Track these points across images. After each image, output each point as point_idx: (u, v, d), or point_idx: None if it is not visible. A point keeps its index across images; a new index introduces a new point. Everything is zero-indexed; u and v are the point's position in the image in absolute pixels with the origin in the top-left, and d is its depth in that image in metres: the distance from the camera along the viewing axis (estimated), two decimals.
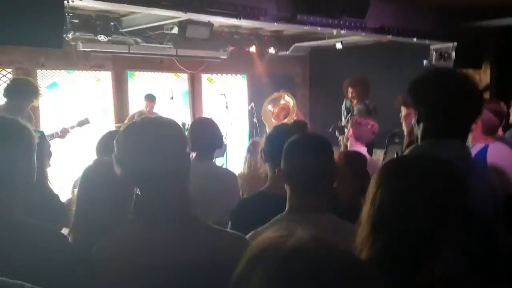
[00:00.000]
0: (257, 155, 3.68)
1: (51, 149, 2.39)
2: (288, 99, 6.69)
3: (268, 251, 0.74)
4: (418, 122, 1.66)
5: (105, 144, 2.23)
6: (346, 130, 4.42)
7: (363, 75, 6.59)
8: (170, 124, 1.40)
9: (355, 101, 6.44)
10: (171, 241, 1.32)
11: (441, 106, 1.59)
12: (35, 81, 6.20)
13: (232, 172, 3.07)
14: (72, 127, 5.07)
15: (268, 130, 3.93)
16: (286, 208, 1.66)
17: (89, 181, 1.70)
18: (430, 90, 1.63)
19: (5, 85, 6.18)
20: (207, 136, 2.84)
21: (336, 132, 5.82)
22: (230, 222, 2.13)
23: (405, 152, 1.64)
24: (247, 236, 1.52)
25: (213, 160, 3.18)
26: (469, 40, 6.42)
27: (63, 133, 4.93)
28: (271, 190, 2.12)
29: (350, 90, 6.44)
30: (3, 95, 4.31)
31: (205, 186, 2.42)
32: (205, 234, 1.38)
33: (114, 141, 1.35)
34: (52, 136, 4.70)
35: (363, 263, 0.82)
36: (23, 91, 4.23)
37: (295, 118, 6.23)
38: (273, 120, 6.49)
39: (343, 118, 6.61)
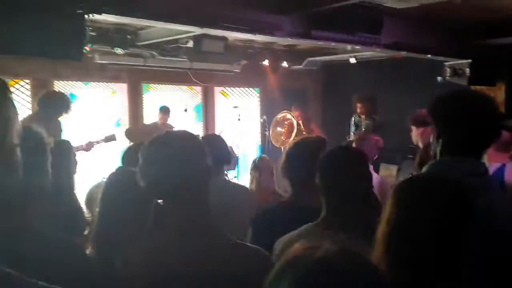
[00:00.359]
0: (267, 172, 3.69)
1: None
2: (285, 114, 6.86)
3: (297, 260, 0.78)
4: (437, 139, 1.69)
5: (131, 154, 2.24)
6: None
7: (372, 91, 6.67)
8: (191, 138, 1.45)
9: (363, 117, 6.52)
10: (192, 252, 1.35)
11: (461, 126, 1.62)
12: None
13: (243, 186, 3.10)
14: (98, 142, 5.10)
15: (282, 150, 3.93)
16: (319, 219, 1.68)
17: (113, 187, 1.71)
18: (450, 110, 1.67)
19: (24, 95, 6.39)
20: (216, 152, 2.85)
21: None
22: (251, 230, 2.12)
23: (424, 169, 1.67)
24: (279, 241, 1.56)
25: (224, 175, 3.20)
26: (483, 57, 6.41)
27: (88, 147, 4.96)
28: (294, 202, 2.11)
29: (359, 105, 6.58)
30: (37, 103, 4.45)
31: (217, 201, 2.44)
32: (225, 246, 1.41)
33: (139, 155, 1.40)
34: (77, 149, 4.75)
35: (386, 277, 0.85)
36: (55, 103, 4.36)
37: (304, 133, 6.34)
38: (283, 138, 6.69)
39: (351, 133, 6.66)
